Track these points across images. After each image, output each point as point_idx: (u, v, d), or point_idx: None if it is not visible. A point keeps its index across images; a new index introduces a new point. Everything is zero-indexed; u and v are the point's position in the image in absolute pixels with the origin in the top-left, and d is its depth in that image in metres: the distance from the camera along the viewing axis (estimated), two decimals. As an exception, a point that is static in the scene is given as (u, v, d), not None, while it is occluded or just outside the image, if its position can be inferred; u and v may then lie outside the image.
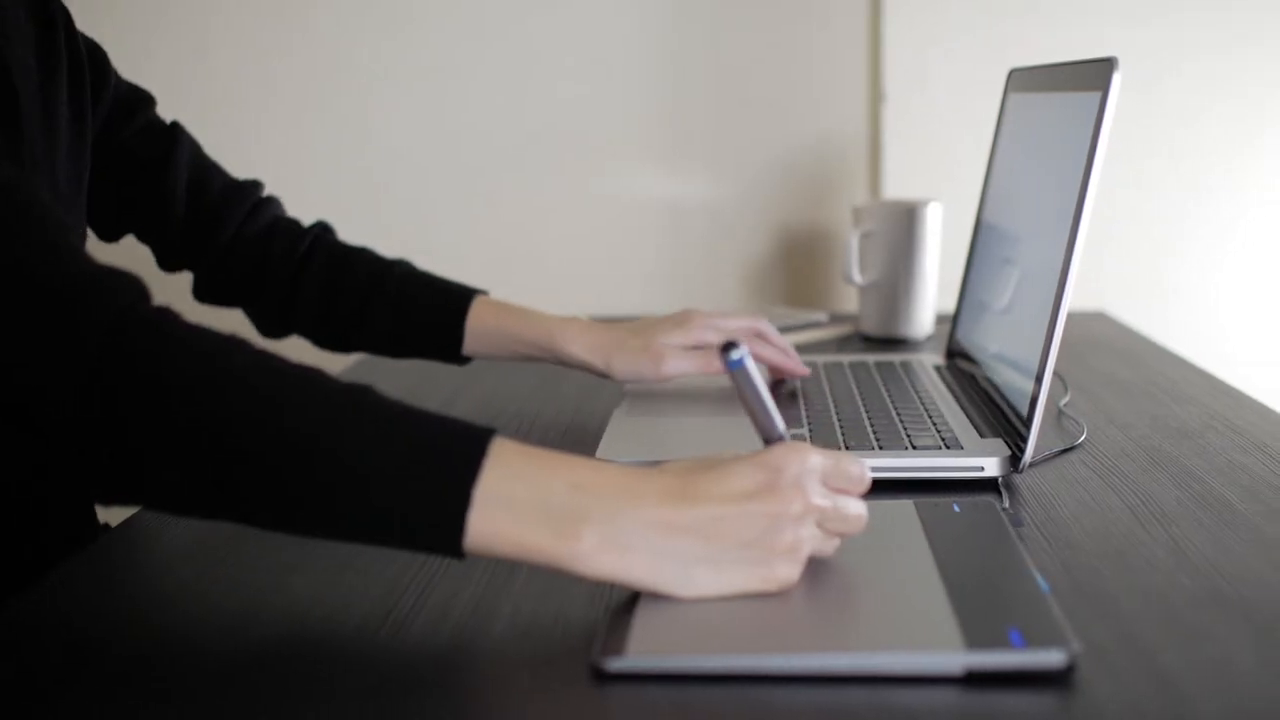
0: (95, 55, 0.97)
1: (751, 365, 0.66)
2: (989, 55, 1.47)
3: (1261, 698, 0.55)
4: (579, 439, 0.96)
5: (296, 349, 1.13)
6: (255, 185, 1.08)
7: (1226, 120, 1.52)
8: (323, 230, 1.09)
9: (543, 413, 1.08)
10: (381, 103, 1.58)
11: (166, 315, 0.61)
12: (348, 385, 0.61)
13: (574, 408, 1.09)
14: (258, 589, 0.70)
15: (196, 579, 0.73)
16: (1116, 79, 0.80)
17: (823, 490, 0.64)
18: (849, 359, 1.17)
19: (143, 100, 1.02)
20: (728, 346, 0.65)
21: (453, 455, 0.59)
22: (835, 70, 1.56)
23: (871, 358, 1.18)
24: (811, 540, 0.64)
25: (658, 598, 0.63)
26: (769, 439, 0.67)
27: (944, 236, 1.33)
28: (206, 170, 1.05)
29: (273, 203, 1.09)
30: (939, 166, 1.52)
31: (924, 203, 1.31)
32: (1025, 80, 1.06)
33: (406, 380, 1.18)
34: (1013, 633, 0.58)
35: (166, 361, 0.58)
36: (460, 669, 0.60)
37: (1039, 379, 0.83)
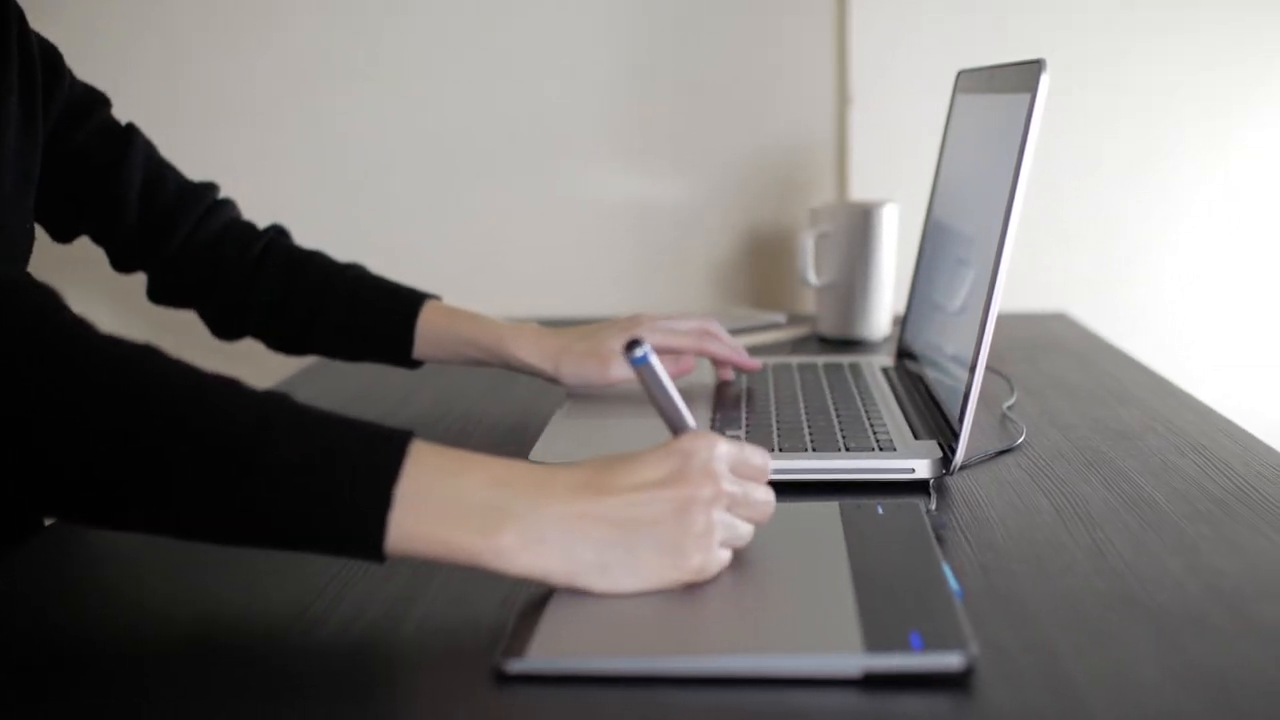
0: (49, 56, 0.96)
1: (656, 361, 0.67)
2: (956, 56, 1.47)
3: (1158, 702, 0.55)
4: (521, 440, 0.96)
5: (250, 352, 1.14)
6: (210, 188, 1.08)
7: (1194, 121, 1.51)
8: (277, 234, 1.09)
9: (489, 414, 1.08)
10: (350, 104, 1.58)
11: (81, 324, 0.61)
12: (264, 393, 0.61)
13: (520, 409, 1.09)
14: (176, 589, 0.70)
15: (117, 577, 0.73)
16: (1044, 80, 0.80)
17: (732, 476, 0.65)
18: (799, 361, 1.17)
19: (97, 101, 1.02)
20: (631, 344, 0.66)
21: (372, 458, 0.59)
22: (802, 72, 1.56)
23: (821, 359, 1.18)
24: (724, 527, 0.64)
25: (567, 599, 0.63)
26: (679, 433, 0.67)
27: (907, 238, 1.33)
28: (161, 172, 1.05)
29: (228, 205, 1.09)
30: (905, 168, 1.51)
31: (880, 204, 1.31)
32: (970, 82, 1.06)
33: (358, 382, 1.19)
34: (913, 635, 0.58)
35: (80, 369, 0.58)
36: (364, 670, 0.60)
37: (970, 381, 0.83)
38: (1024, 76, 0.84)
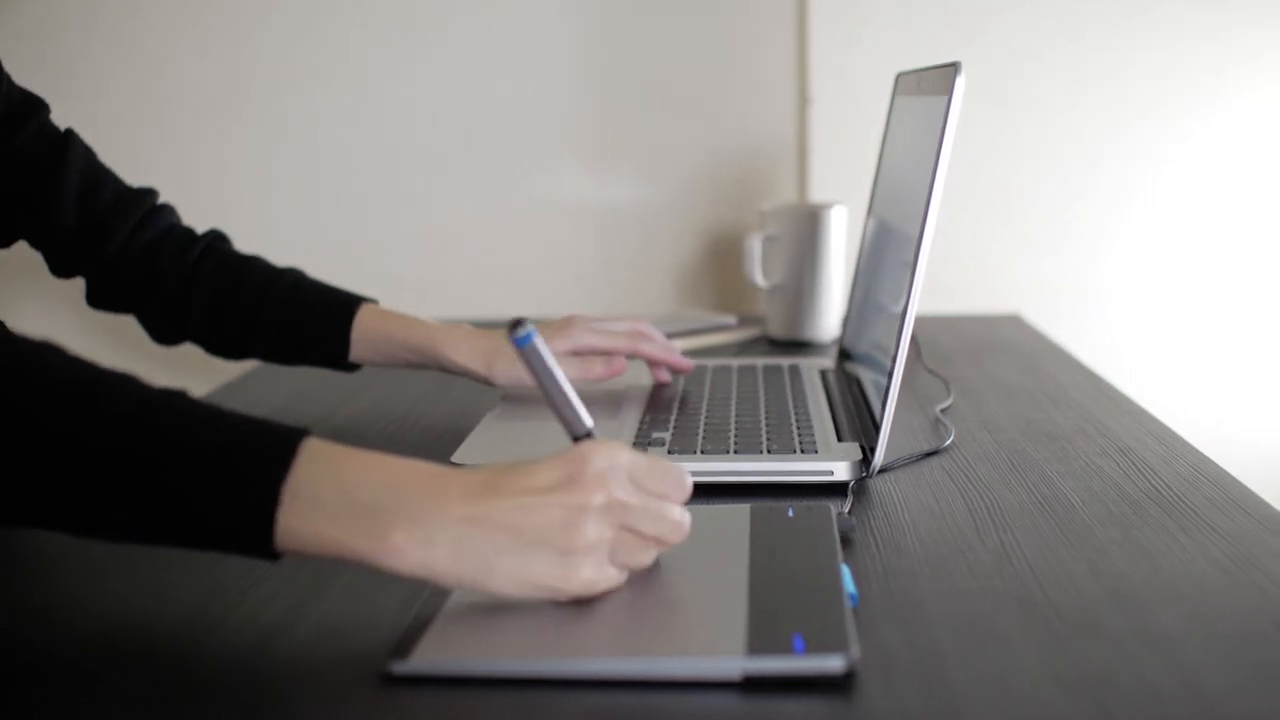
0: None
1: (544, 347, 0.64)
2: (916, 58, 1.46)
3: (1034, 705, 0.55)
4: (454, 442, 0.96)
5: (190, 356, 1.14)
6: (149, 193, 1.07)
7: (1154, 125, 1.51)
8: (215, 239, 1.09)
9: (426, 415, 1.09)
10: (311, 107, 1.58)
11: None
12: (160, 390, 0.61)
13: (458, 411, 1.09)
14: (82, 590, 0.70)
15: (19, 577, 0.73)
16: (960, 83, 0.80)
17: (630, 487, 0.63)
18: (739, 363, 1.17)
19: (35, 106, 1.02)
20: (515, 324, 0.63)
21: (262, 455, 0.59)
22: (763, 73, 1.56)
23: (762, 361, 1.18)
24: (617, 540, 0.63)
25: (462, 602, 0.63)
26: (574, 433, 0.66)
27: (858, 239, 1.33)
28: (99, 178, 1.05)
29: (166, 211, 1.08)
30: (866, 169, 1.51)
31: (828, 206, 1.31)
32: (905, 84, 1.07)
33: (300, 384, 1.18)
34: (796, 638, 0.58)
35: None
36: (253, 672, 0.60)
37: (888, 383, 0.83)
38: (944, 79, 0.84)
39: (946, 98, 0.82)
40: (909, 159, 0.96)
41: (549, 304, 1.59)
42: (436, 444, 0.98)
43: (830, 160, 1.54)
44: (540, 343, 0.64)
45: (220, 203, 1.60)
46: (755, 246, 1.31)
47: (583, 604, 0.62)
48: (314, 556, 0.60)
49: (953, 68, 0.81)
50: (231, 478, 0.58)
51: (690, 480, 0.66)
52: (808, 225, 1.30)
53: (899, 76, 1.12)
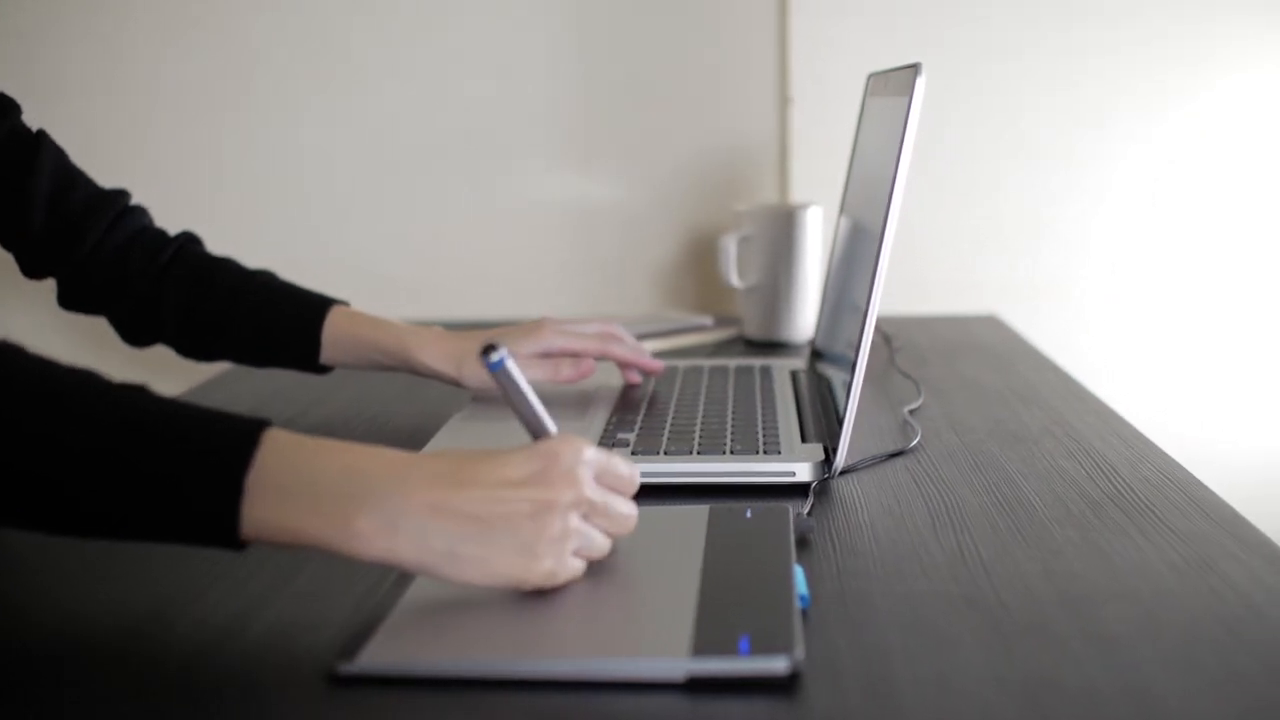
0: None
1: (513, 367, 0.66)
2: (896, 58, 1.46)
3: (975, 705, 0.55)
4: (424, 442, 0.96)
5: (163, 358, 1.14)
6: (121, 195, 1.07)
7: (1131, 125, 1.51)
8: (187, 240, 1.09)
9: (399, 415, 1.09)
10: (300, 109, 1.58)
11: None
12: (121, 385, 0.61)
13: (430, 413, 1.09)
14: (38, 589, 0.70)
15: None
16: (920, 84, 0.80)
17: (595, 484, 0.64)
18: (711, 364, 1.17)
19: (6, 107, 1.02)
20: (487, 349, 0.65)
21: (224, 447, 0.59)
22: (745, 74, 1.56)
23: (734, 362, 1.18)
24: (580, 535, 0.64)
25: (413, 602, 0.63)
26: (539, 438, 0.67)
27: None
28: (70, 179, 1.05)
29: (138, 212, 1.08)
30: (845, 170, 1.52)
31: (802, 206, 1.31)
32: (875, 85, 1.07)
33: (274, 385, 1.18)
34: (742, 640, 0.58)
35: None
36: (204, 671, 0.60)
37: (851, 383, 0.83)
38: (906, 80, 0.84)
39: (908, 98, 0.82)
40: (877, 159, 0.97)
41: (529, 304, 1.59)
42: (407, 444, 0.97)
43: (811, 160, 1.54)
44: (512, 365, 0.66)
45: (211, 204, 1.60)
46: (730, 247, 1.31)
47: (531, 604, 0.63)
48: (280, 545, 0.60)
49: (913, 69, 0.81)
50: (194, 471, 0.59)
51: (638, 476, 0.67)
52: (782, 225, 1.30)
53: (870, 77, 1.12)
